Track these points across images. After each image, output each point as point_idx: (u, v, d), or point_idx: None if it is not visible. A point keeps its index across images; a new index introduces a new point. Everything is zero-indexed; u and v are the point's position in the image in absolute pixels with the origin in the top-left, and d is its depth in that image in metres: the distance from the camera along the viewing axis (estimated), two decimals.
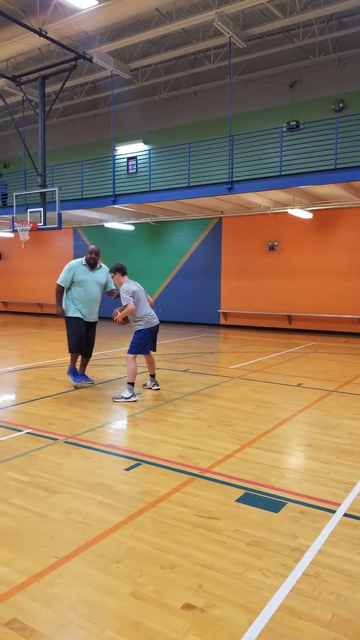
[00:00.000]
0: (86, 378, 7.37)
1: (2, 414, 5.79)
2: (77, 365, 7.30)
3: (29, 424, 5.31)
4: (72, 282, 7.01)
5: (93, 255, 7.08)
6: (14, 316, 21.06)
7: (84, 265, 7.07)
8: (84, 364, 7.40)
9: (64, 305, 7.07)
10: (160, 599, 2.42)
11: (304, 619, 2.31)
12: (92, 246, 7.23)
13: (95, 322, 7.26)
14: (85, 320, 7.06)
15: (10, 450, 4.50)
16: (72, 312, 7.02)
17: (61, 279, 7.04)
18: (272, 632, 2.22)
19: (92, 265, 7.08)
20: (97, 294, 7.12)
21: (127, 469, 4.09)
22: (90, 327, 7.16)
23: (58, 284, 7.07)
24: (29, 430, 5.08)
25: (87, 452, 4.49)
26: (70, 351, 7.12)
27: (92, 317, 7.15)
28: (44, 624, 2.23)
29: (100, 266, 7.21)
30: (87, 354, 7.31)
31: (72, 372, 7.17)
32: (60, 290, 7.08)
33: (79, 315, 7.01)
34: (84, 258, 7.14)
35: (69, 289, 7.06)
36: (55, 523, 3.15)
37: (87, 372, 7.52)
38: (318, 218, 15.00)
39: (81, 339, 7.04)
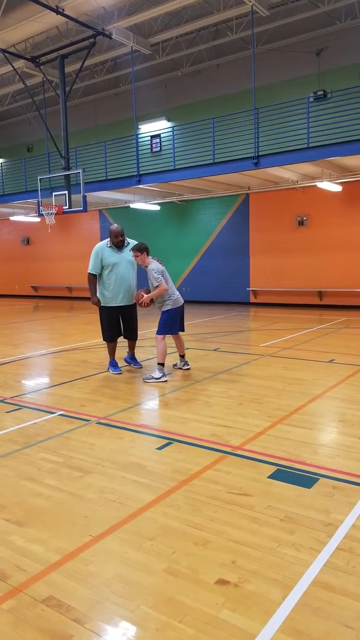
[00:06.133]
0: (135, 362, 7.22)
1: (35, 397, 5.89)
2: (116, 355, 7.15)
3: (61, 406, 5.38)
4: (102, 267, 6.73)
5: (120, 238, 6.71)
6: (44, 300, 21.34)
7: (110, 246, 6.76)
8: (132, 347, 7.24)
9: (98, 294, 6.81)
10: (194, 575, 2.44)
11: (337, 593, 2.29)
12: (114, 227, 6.76)
13: (134, 304, 6.91)
14: (122, 304, 6.81)
15: (43, 432, 4.58)
16: (105, 302, 6.79)
17: (91, 267, 6.75)
18: (306, 606, 2.21)
19: (119, 247, 6.76)
20: (130, 274, 6.80)
21: (159, 448, 4.11)
22: (129, 310, 6.91)
23: (89, 273, 6.77)
24: (61, 412, 5.16)
25: (119, 432, 4.53)
26: (104, 340, 7.05)
27: (129, 300, 6.82)
28: (80, 601, 2.27)
29: (129, 243, 6.83)
30: (132, 337, 7.14)
31: (112, 364, 6.98)
32: (92, 279, 6.76)
33: (113, 304, 6.79)
34: (108, 239, 6.82)
35: (100, 274, 6.79)
36: (89, 502, 3.20)
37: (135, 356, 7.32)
38: (348, 190, 14.61)
39: (115, 328, 6.92)
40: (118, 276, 6.72)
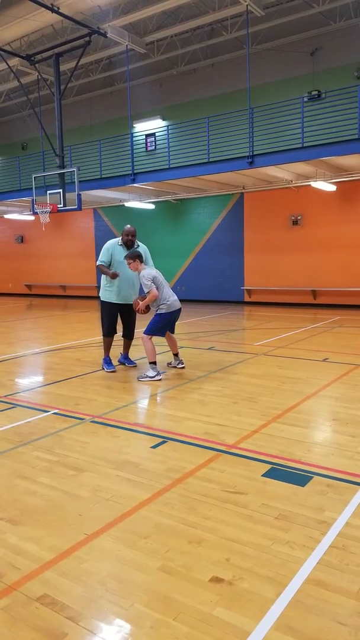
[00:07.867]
0: (129, 361, 7.31)
1: (29, 395, 5.88)
2: (110, 354, 7.19)
3: (55, 405, 5.37)
4: (110, 263, 6.87)
5: (130, 237, 6.84)
6: (38, 299, 21.28)
7: (120, 245, 6.89)
8: (127, 347, 7.33)
9: (101, 289, 6.99)
10: (188, 573, 2.44)
11: (331, 590, 2.30)
12: (128, 226, 6.93)
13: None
14: (123, 302, 6.93)
15: (37, 430, 4.57)
16: (107, 297, 6.92)
17: (101, 260, 6.91)
18: (300, 603, 2.22)
19: (128, 247, 6.88)
20: (134, 274, 6.86)
21: (154, 447, 4.11)
22: (129, 308, 6.98)
23: (98, 263, 6.94)
24: (55, 411, 5.15)
25: (113, 430, 4.53)
26: (103, 335, 7.08)
27: (129, 299, 6.93)
28: (74, 599, 2.27)
29: (138, 245, 6.99)
30: (128, 336, 7.24)
31: (106, 361, 7.02)
32: (102, 267, 6.89)
33: (114, 301, 6.91)
34: (119, 238, 6.95)
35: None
36: (83, 501, 3.20)
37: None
38: (342, 190, 14.67)
39: (114, 323, 7.01)
40: (123, 274, 6.82)
